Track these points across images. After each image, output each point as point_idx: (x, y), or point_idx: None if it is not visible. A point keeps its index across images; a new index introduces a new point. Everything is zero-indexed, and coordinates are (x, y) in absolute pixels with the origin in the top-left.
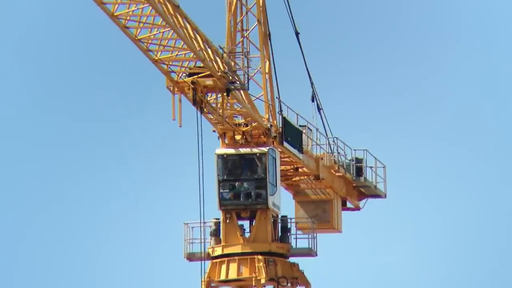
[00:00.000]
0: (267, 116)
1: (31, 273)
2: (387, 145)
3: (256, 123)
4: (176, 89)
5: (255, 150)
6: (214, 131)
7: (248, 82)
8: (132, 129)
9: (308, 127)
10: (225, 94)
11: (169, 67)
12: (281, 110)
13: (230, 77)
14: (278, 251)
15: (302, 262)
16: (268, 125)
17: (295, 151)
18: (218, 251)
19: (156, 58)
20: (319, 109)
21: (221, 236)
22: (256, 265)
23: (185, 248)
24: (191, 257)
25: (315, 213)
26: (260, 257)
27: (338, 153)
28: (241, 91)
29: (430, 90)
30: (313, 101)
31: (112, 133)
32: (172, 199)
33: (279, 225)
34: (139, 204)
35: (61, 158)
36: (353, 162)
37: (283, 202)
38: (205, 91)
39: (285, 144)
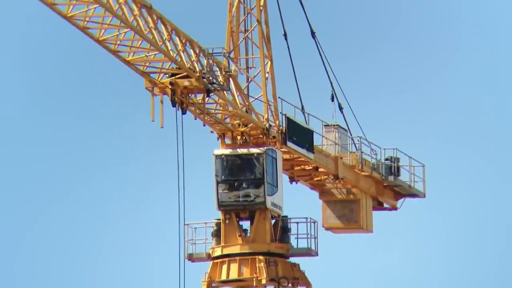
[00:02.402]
0: (266, 116)
1: (32, 274)
2: (419, 143)
3: (252, 124)
4: (158, 90)
5: (253, 150)
6: (212, 131)
7: (228, 83)
8: (131, 130)
9: (342, 126)
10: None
11: (146, 68)
12: (303, 110)
13: (211, 78)
14: (277, 251)
15: (305, 263)
16: (267, 125)
17: (303, 150)
18: (218, 251)
19: (128, 59)
20: (340, 108)
21: (221, 237)
22: (257, 265)
23: (186, 248)
24: (190, 257)
25: (342, 213)
26: (261, 257)
27: (362, 152)
28: (235, 91)
29: (465, 85)
30: (332, 100)
31: (111, 133)
32: (172, 200)
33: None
34: (140, 205)
35: (61, 159)
36: (388, 161)
37: (309, 202)
38: (186, 92)
39: (289, 143)
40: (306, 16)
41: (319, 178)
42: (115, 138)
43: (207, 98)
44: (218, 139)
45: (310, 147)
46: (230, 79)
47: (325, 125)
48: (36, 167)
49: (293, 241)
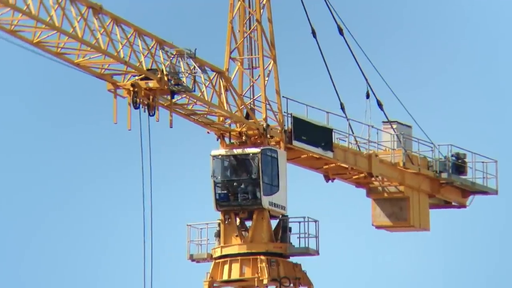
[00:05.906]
0: (264, 116)
1: (33, 275)
2: (486, 138)
3: (245, 124)
4: (125, 92)
5: (248, 150)
6: (208, 132)
7: (194, 85)
8: (131, 130)
9: (401, 123)
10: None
11: (104, 71)
12: (342, 108)
13: (178, 79)
14: (275, 251)
15: (308, 263)
16: (264, 125)
17: (317, 149)
18: (218, 252)
19: (77, 61)
20: (379, 105)
21: (220, 237)
22: (259, 265)
23: (188, 249)
24: (191, 258)
25: (391, 211)
26: (262, 257)
27: (405, 149)
28: (223, 91)
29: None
30: (367, 97)
31: (112, 134)
32: (174, 200)
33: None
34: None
35: (64, 159)
36: (454, 158)
37: (356, 200)
38: (152, 94)
39: (296, 142)
40: (332, 14)
41: (358, 176)
42: (115, 140)
43: (174, 99)
44: (217, 140)
45: (326, 145)
46: (222, 78)
47: (383, 122)
48: (35, 171)
49: (295, 241)
